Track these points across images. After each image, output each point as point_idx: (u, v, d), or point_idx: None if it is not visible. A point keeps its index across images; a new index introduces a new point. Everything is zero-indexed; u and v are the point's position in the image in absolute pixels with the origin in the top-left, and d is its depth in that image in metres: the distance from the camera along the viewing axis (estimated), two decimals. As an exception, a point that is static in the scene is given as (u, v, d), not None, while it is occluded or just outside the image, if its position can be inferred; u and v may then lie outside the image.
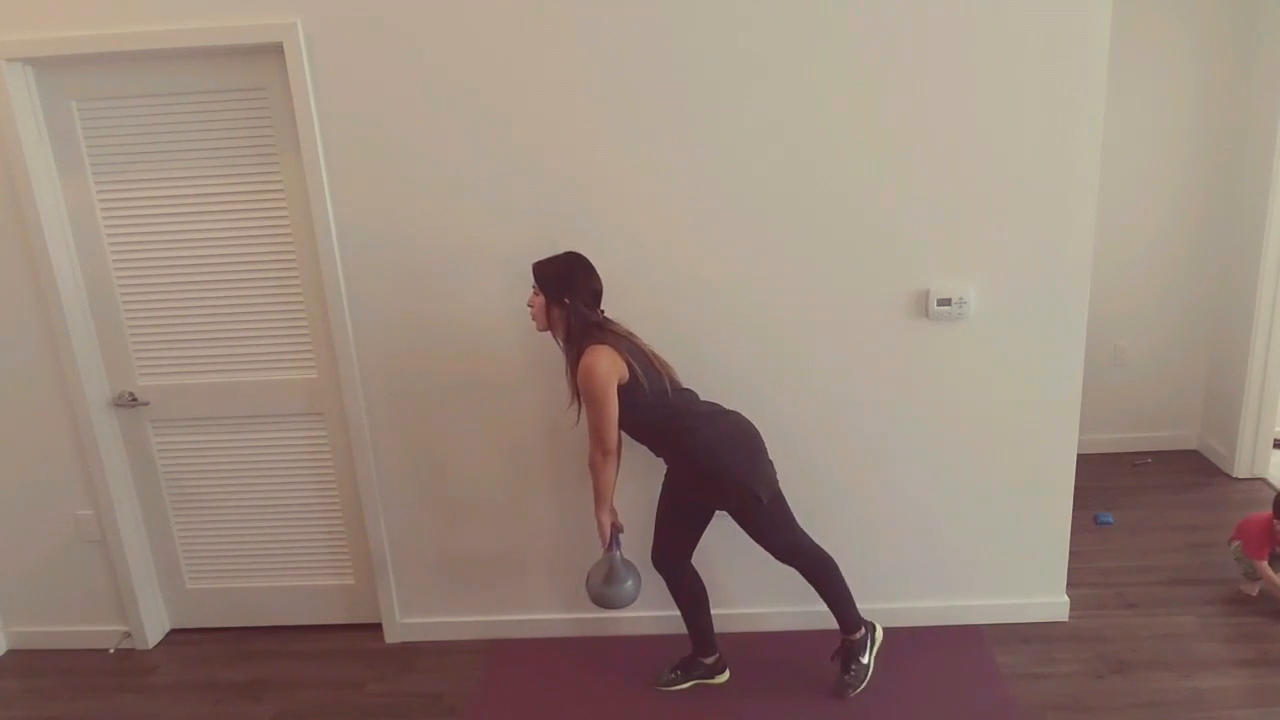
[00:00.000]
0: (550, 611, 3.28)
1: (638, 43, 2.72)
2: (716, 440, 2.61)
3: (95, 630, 3.38)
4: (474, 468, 3.14)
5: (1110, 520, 3.86)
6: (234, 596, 3.41)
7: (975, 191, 2.80)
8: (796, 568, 2.78)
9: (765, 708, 2.86)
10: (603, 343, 2.54)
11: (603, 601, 2.75)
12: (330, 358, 3.08)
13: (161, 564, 3.40)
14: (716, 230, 2.86)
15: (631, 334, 2.64)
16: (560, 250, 2.67)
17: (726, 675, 2.98)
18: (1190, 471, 4.33)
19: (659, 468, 2.79)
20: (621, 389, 2.54)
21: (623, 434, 2.65)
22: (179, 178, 2.95)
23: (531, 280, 2.62)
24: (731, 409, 2.71)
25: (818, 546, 2.79)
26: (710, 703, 2.90)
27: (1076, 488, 3.08)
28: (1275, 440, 4.23)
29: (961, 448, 3.03)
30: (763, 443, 2.69)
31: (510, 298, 2.88)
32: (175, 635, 3.47)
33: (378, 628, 3.36)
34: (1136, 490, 4.15)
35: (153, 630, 3.41)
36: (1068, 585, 3.19)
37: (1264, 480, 4.18)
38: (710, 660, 2.96)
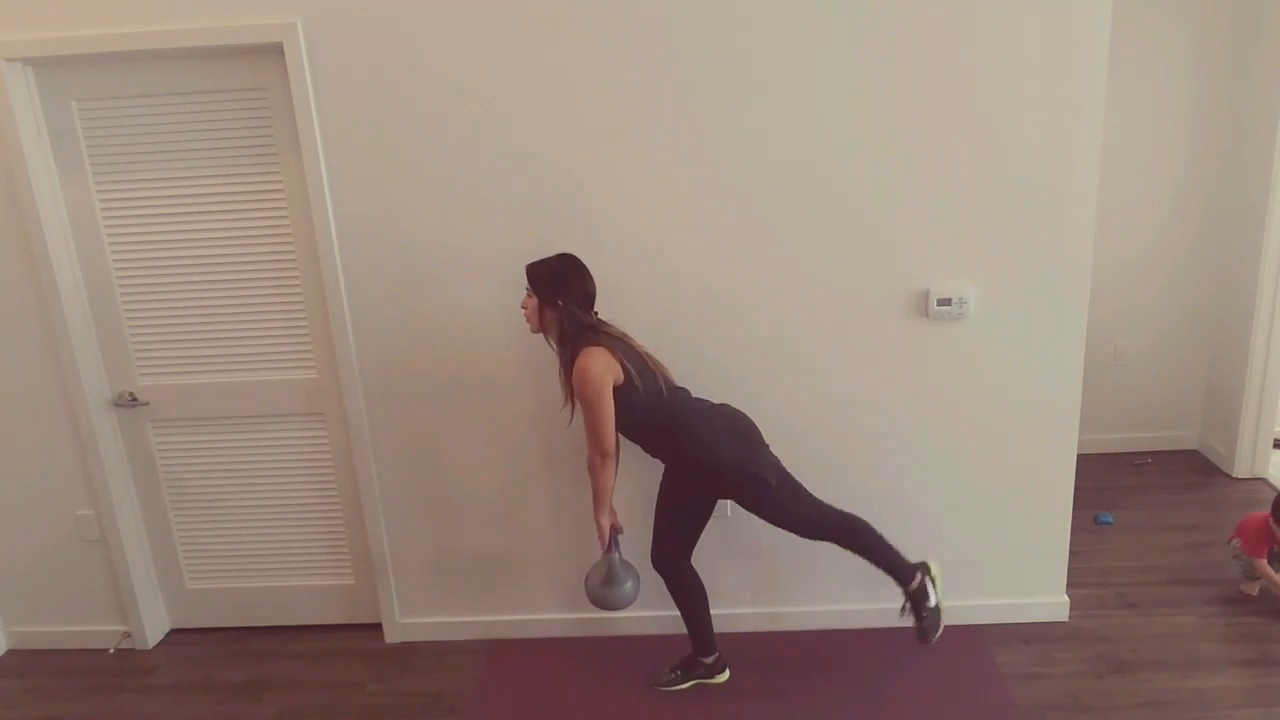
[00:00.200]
0: (550, 611, 3.28)
1: (638, 43, 2.72)
2: (712, 434, 2.62)
3: (95, 630, 3.38)
4: (474, 468, 3.14)
5: (1110, 520, 3.86)
6: (234, 596, 3.41)
7: (975, 192, 2.80)
8: (829, 541, 2.73)
9: (765, 708, 2.86)
10: (597, 344, 2.54)
11: (602, 603, 2.75)
12: (330, 358, 3.09)
13: (161, 564, 3.40)
14: (716, 231, 2.86)
15: (625, 335, 2.64)
16: (559, 251, 2.67)
17: (726, 675, 2.98)
18: (1190, 471, 4.33)
19: (657, 468, 2.79)
20: (616, 391, 2.54)
21: (620, 436, 2.65)
22: (179, 178, 2.95)
23: (525, 283, 2.62)
24: (721, 402, 2.72)
25: (842, 514, 2.73)
26: (710, 703, 2.90)
27: (1076, 488, 3.08)
28: (1275, 440, 4.23)
29: (961, 448, 3.03)
30: (759, 431, 2.69)
31: (510, 298, 2.88)
32: (175, 635, 3.47)
33: (378, 628, 3.36)
34: (1136, 490, 4.15)
35: (153, 630, 3.41)
36: (1068, 585, 3.20)
37: (1264, 480, 4.18)
38: (710, 660, 2.96)
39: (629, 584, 2.74)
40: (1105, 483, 4.19)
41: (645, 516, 2.91)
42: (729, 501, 3.00)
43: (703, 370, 2.88)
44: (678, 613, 2.94)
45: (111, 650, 3.37)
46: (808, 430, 3.00)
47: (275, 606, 3.42)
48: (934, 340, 2.94)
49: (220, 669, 3.25)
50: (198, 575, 3.41)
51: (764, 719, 2.82)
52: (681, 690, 2.96)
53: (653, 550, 2.86)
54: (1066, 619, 3.20)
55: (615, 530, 2.74)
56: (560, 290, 2.57)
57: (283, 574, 3.38)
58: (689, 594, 2.88)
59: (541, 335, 2.68)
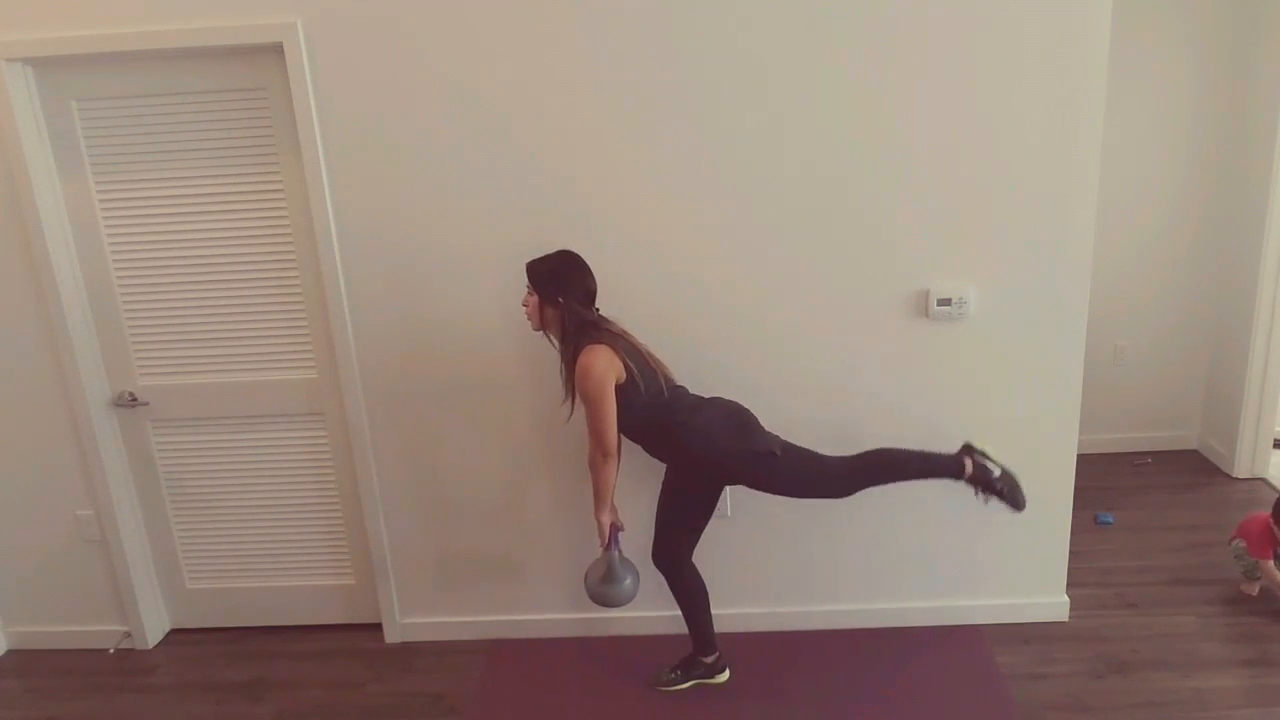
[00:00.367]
0: (550, 611, 3.28)
1: (638, 43, 2.72)
2: (709, 424, 2.63)
3: (95, 630, 3.38)
4: (474, 467, 3.14)
5: (1110, 520, 3.86)
6: (234, 596, 3.41)
7: (975, 191, 2.80)
8: (862, 485, 2.70)
9: (765, 708, 2.86)
10: (599, 342, 2.54)
11: (601, 600, 2.75)
12: (330, 358, 3.08)
13: (161, 564, 3.40)
14: (716, 230, 2.86)
15: (626, 332, 2.64)
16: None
17: (726, 675, 2.98)
18: (1190, 471, 4.33)
19: (658, 467, 2.79)
20: (618, 389, 2.54)
21: (621, 436, 2.65)
22: (179, 178, 2.95)
23: (526, 279, 2.63)
24: (713, 396, 2.73)
25: (860, 456, 2.71)
26: (710, 703, 2.90)
27: (1076, 488, 3.08)
28: (1275, 440, 4.23)
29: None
30: (753, 415, 2.70)
31: (510, 298, 2.88)
32: (175, 635, 3.47)
33: (378, 628, 3.36)
34: (1136, 490, 4.15)
35: (153, 630, 3.41)
36: (1068, 585, 3.19)
37: (1264, 480, 4.18)
38: (710, 660, 2.96)
39: (628, 581, 2.75)
40: (1105, 483, 4.18)
41: (647, 514, 2.90)
42: (729, 501, 3.01)
43: (702, 370, 2.88)
44: (677, 612, 2.94)
45: (111, 650, 3.37)
46: (807, 430, 2.99)
47: (275, 606, 3.42)
48: (934, 340, 2.94)
49: (220, 669, 3.25)
50: (198, 575, 3.41)
51: (764, 719, 2.82)
52: (682, 690, 2.96)
53: (654, 549, 2.86)
54: (1066, 619, 3.20)
55: (615, 528, 2.74)
56: (561, 287, 2.57)
57: (283, 574, 3.38)
58: (690, 593, 2.88)
59: (542, 334, 2.68)
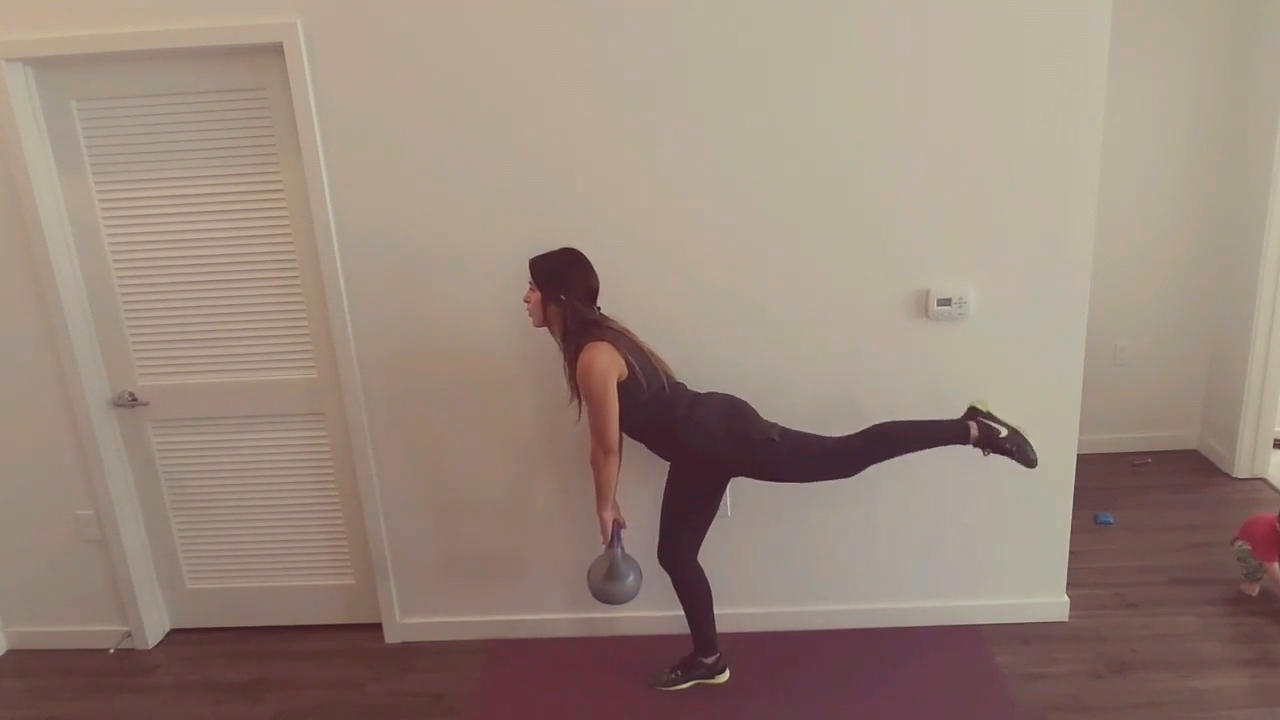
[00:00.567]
0: (550, 611, 3.28)
1: (638, 42, 2.72)
2: (707, 416, 2.64)
3: (95, 630, 3.38)
4: (474, 467, 3.14)
5: (1110, 520, 3.86)
6: (234, 596, 3.41)
7: (975, 192, 2.80)
8: (868, 462, 2.67)
9: (765, 708, 2.86)
10: (601, 339, 2.54)
11: (604, 597, 2.75)
12: (330, 358, 3.08)
13: (161, 564, 3.40)
14: (716, 230, 2.86)
15: (628, 330, 2.64)
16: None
17: (726, 675, 2.98)
18: (1190, 471, 4.33)
19: (660, 465, 2.79)
20: (620, 386, 2.54)
21: (623, 433, 2.65)
22: (179, 178, 2.95)
23: (529, 277, 2.63)
24: (709, 391, 2.74)
25: (862, 433, 2.68)
26: (710, 703, 2.90)
27: (1076, 488, 3.08)
28: (1275, 440, 4.22)
29: (962, 448, 3.02)
30: (750, 405, 2.71)
31: (510, 297, 2.88)
32: (175, 635, 3.47)
33: (378, 628, 3.36)
34: (1136, 490, 4.15)
35: (153, 630, 3.41)
36: (1068, 585, 3.19)
37: (1264, 480, 4.18)
38: (710, 660, 2.96)
39: (630, 578, 2.74)
40: (1105, 483, 4.18)
41: (650, 512, 2.90)
42: (729, 501, 3.01)
43: (702, 369, 2.88)
44: (677, 612, 2.94)
45: (111, 650, 3.37)
46: (807, 429, 2.99)
47: (275, 606, 3.42)
48: (934, 340, 2.94)
49: (220, 669, 3.25)
50: (198, 575, 3.41)
51: (764, 719, 2.82)
52: (682, 690, 2.96)
53: (659, 547, 2.86)
54: (1066, 619, 3.20)
55: (618, 525, 2.75)
56: (563, 285, 2.57)
57: (283, 574, 3.38)
58: (693, 592, 2.88)
59: (544, 331, 2.68)
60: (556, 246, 2.67)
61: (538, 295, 2.61)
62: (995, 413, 2.70)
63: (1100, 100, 2.71)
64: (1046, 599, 3.19)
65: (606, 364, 2.51)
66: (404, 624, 3.33)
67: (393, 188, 2.87)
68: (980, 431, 2.66)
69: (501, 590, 3.28)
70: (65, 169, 2.97)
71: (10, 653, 3.42)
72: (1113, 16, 2.66)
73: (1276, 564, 3.17)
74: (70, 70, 2.87)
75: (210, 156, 2.93)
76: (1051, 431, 3.00)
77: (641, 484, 2.96)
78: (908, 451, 2.72)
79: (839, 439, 2.70)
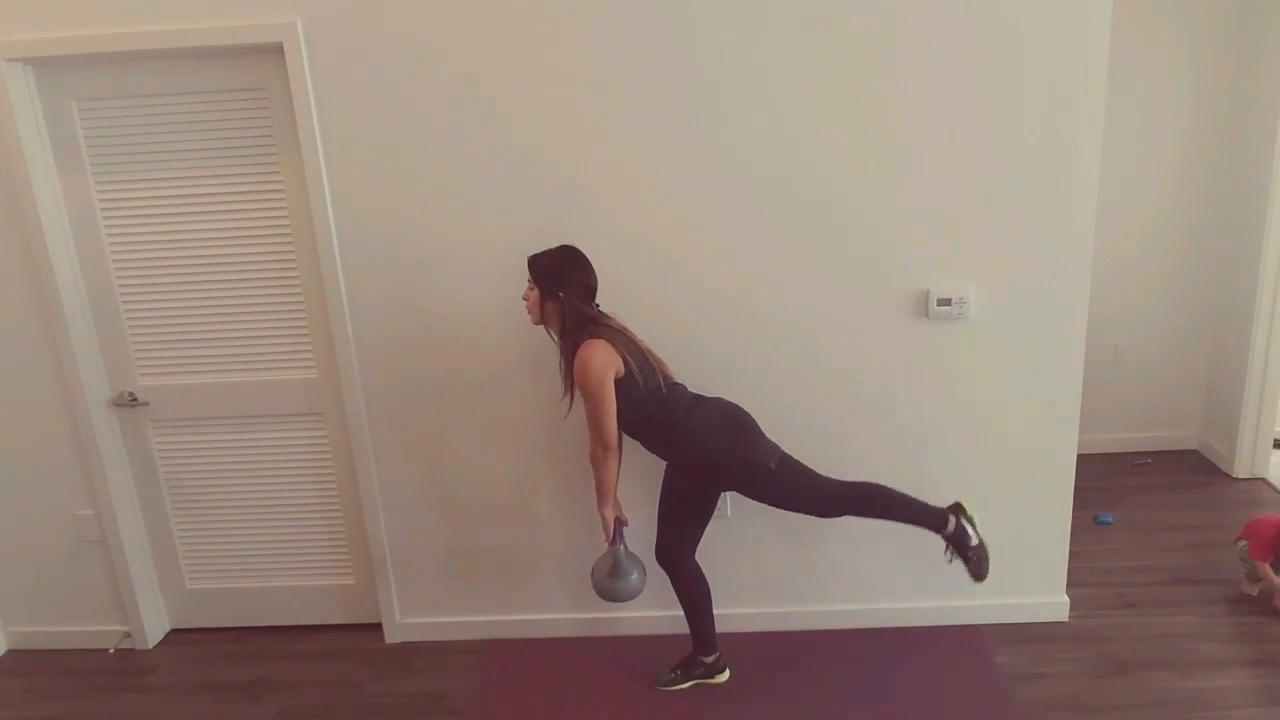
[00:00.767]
0: (551, 611, 3.28)
1: (638, 42, 2.72)
2: (708, 426, 2.63)
3: (95, 630, 3.38)
4: (474, 466, 3.14)
5: (1110, 520, 3.86)
6: (234, 596, 3.41)
7: (975, 191, 2.80)
8: (846, 513, 2.74)
9: (765, 708, 2.86)
10: (599, 336, 2.54)
11: (608, 595, 2.75)
12: (330, 358, 3.08)
13: (161, 564, 3.40)
14: (715, 230, 2.86)
15: (626, 328, 2.64)
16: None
17: (726, 675, 2.98)
18: (1190, 471, 4.33)
19: (659, 464, 2.80)
20: (617, 383, 2.55)
21: (621, 432, 2.65)
22: (179, 178, 2.95)
23: (527, 274, 2.63)
24: (714, 395, 2.73)
25: (852, 483, 2.73)
26: (710, 703, 2.90)
27: (1076, 488, 3.08)
28: (1275, 440, 4.22)
29: (961, 448, 3.03)
30: (754, 420, 2.71)
31: (510, 296, 2.88)
32: (175, 635, 3.47)
33: (378, 628, 3.36)
34: (1136, 490, 4.15)
35: (153, 630, 3.41)
36: (1068, 585, 3.19)
37: (1264, 480, 4.18)
38: (710, 659, 2.96)
39: (634, 576, 2.74)
40: (1105, 483, 4.18)
41: (650, 511, 2.90)
42: (729, 501, 3.01)
43: (702, 368, 2.88)
44: (677, 612, 2.94)
45: (111, 650, 3.37)
46: (806, 430, 3.00)
47: (275, 606, 3.42)
48: (934, 340, 2.94)
49: (220, 669, 3.25)
50: (198, 575, 3.41)
51: (764, 719, 2.82)
52: (682, 690, 2.96)
53: (657, 546, 2.86)
54: (1066, 619, 3.20)
55: (620, 522, 2.75)
56: (561, 282, 2.57)
57: (283, 574, 3.38)
58: (692, 591, 2.88)
59: (542, 329, 2.68)
60: (555, 245, 2.68)
61: (536, 293, 2.61)
62: (975, 520, 2.79)
63: (1100, 100, 2.71)
64: (1046, 599, 3.19)
65: (604, 361, 2.51)
66: (404, 624, 3.33)
67: (393, 188, 2.87)
68: (955, 530, 2.76)
69: (502, 590, 3.28)
70: (65, 169, 2.97)
71: (10, 653, 3.42)
72: (1113, 16, 2.66)
73: (1268, 564, 3.16)
74: (70, 70, 2.87)
75: (210, 156, 2.93)
76: (1051, 431, 3.00)
77: (642, 483, 2.96)
78: (885, 519, 2.77)
79: (831, 484, 2.71)
